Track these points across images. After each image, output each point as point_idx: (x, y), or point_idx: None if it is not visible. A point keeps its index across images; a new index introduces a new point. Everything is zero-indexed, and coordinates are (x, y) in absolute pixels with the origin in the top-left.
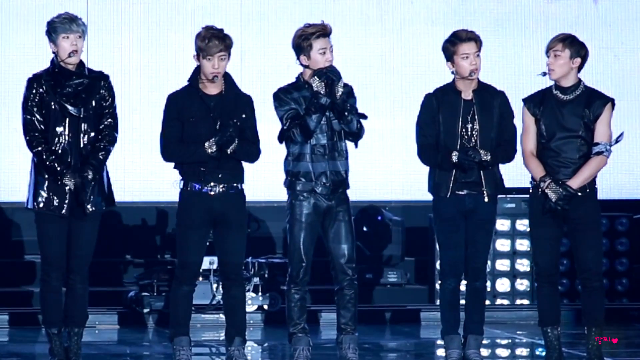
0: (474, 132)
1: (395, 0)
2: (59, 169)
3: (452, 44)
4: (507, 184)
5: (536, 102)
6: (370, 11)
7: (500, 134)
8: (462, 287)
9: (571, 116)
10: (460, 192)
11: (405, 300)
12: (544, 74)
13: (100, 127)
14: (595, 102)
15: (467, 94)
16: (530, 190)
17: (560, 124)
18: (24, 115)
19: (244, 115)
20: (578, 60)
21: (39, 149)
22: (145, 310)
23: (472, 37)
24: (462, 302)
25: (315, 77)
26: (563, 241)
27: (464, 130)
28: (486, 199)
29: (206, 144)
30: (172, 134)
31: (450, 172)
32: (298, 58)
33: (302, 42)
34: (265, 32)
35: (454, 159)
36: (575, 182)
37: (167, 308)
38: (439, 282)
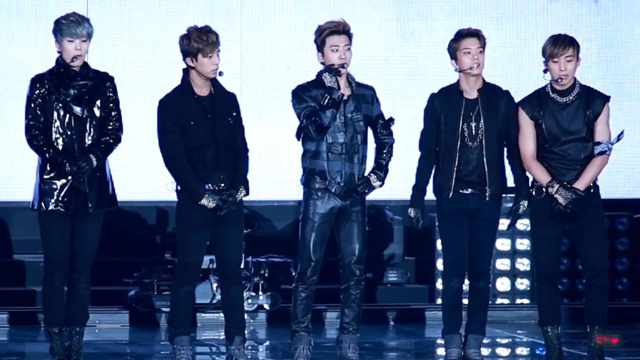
0: (479, 132)
1: None
2: (59, 158)
3: (455, 41)
4: (508, 182)
5: (533, 105)
6: (370, 10)
7: (507, 136)
8: (465, 287)
9: (573, 119)
10: (464, 191)
11: (406, 300)
12: (559, 79)
13: (106, 128)
14: (594, 101)
15: (471, 94)
16: (533, 192)
17: (563, 128)
18: (26, 117)
19: (234, 114)
20: (579, 61)
21: (40, 143)
22: (145, 310)
23: (474, 33)
24: (465, 301)
25: (326, 73)
26: (564, 241)
27: (465, 129)
28: (487, 199)
29: (204, 201)
30: (175, 141)
31: (452, 173)
32: (318, 55)
33: (317, 38)
34: (265, 32)
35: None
36: (581, 184)
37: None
38: (441, 281)
